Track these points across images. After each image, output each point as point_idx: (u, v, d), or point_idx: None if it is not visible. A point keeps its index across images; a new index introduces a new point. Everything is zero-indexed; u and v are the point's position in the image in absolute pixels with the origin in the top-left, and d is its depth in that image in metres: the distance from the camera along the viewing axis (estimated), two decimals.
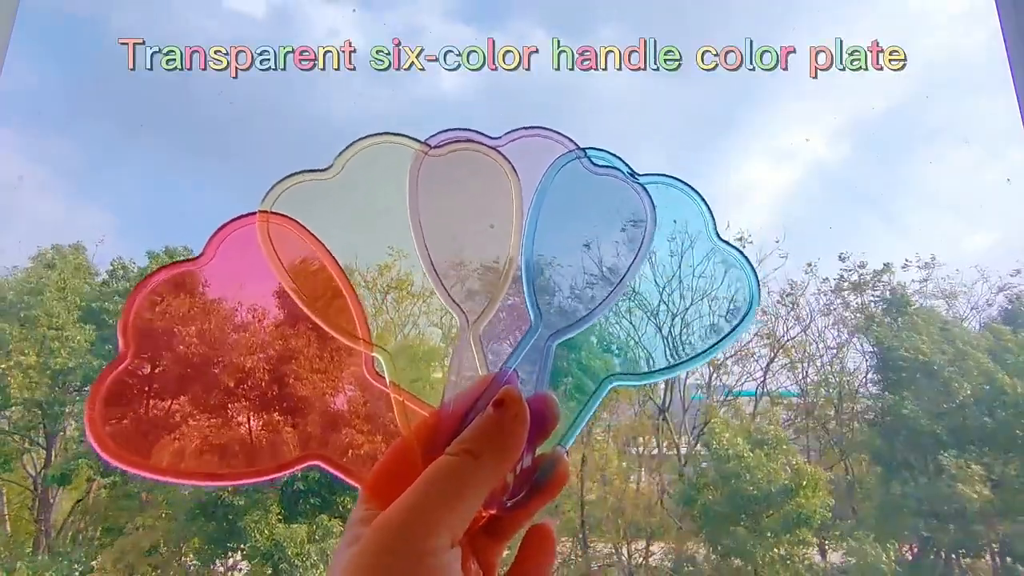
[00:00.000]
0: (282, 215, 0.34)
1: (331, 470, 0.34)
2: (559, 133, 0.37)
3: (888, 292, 5.92)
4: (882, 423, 5.64)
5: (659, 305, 0.39)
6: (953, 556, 5.10)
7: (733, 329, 0.37)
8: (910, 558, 5.23)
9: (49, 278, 5.16)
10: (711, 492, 5.00)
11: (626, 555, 5.41)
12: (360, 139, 0.35)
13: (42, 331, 4.94)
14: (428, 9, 7.03)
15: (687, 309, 0.39)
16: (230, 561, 5.03)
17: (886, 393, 5.60)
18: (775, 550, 4.73)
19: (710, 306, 0.38)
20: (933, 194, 7.00)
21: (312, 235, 0.34)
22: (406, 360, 0.35)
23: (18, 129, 6.21)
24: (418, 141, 0.35)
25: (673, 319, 0.39)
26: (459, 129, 0.36)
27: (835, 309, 6.10)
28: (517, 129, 0.37)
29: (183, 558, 4.96)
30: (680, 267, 0.39)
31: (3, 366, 4.79)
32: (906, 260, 5.92)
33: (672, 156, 7.20)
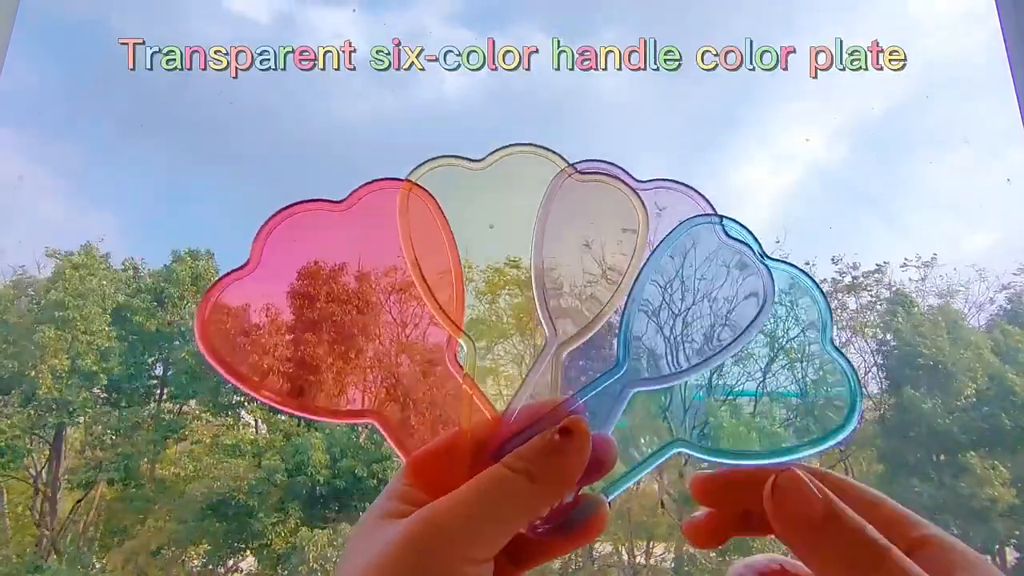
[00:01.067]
0: (424, 189, 0.36)
1: (385, 434, 0.34)
2: (700, 194, 0.37)
3: (890, 292, 5.92)
4: (885, 422, 5.64)
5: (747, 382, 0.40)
6: None
7: (825, 436, 0.36)
8: None
9: (86, 282, 5.19)
10: None
11: (626, 555, 5.41)
12: (515, 144, 0.36)
13: (75, 334, 4.97)
14: (429, 11, 7.04)
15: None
16: (230, 562, 5.03)
17: (889, 392, 5.61)
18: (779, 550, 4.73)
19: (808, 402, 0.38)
20: (933, 194, 7.01)
21: (443, 215, 0.36)
22: (489, 356, 0.36)
23: (18, 129, 6.21)
24: (564, 160, 0.36)
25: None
26: (607, 162, 0.37)
27: (834, 309, 6.10)
28: (662, 179, 0.38)
29: (191, 559, 4.96)
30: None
31: (39, 368, 4.81)
32: (905, 259, 5.92)
33: (672, 156, 7.21)
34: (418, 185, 0.35)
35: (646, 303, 0.37)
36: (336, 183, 0.36)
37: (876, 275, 5.95)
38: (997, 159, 6.71)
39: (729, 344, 0.37)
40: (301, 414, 0.35)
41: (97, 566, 4.83)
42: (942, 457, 5.14)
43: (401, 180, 0.35)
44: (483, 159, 0.36)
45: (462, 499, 0.28)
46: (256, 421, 5.56)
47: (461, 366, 0.35)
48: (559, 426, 0.30)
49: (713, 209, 0.37)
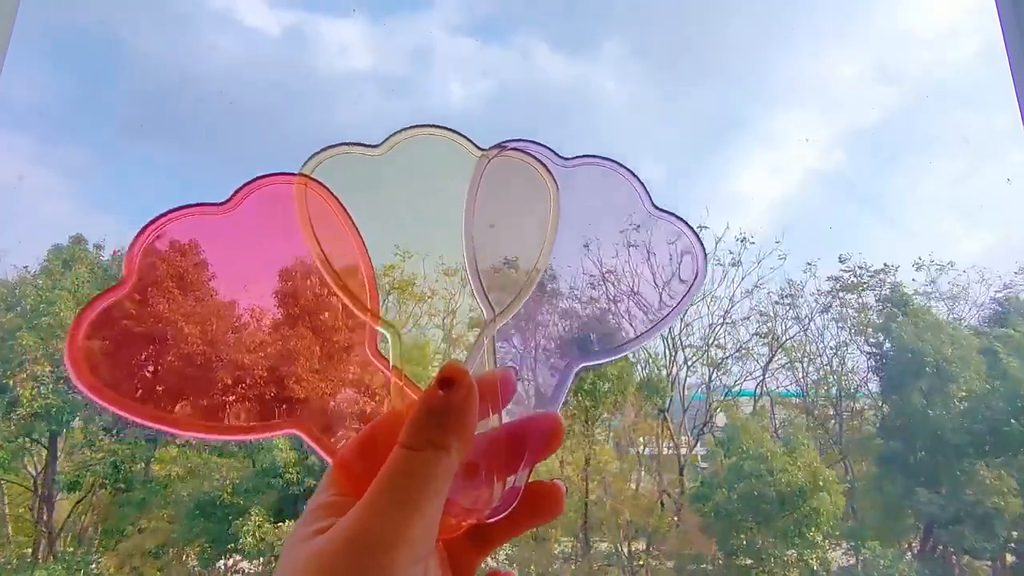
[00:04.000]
0: (319, 182, 0.34)
1: (308, 441, 0.32)
2: (626, 168, 0.37)
3: (891, 292, 5.92)
4: (884, 423, 5.64)
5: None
6: (954, 557, 5.10)
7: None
8: (909, 556, 5.23)
9: (63, 284, 5.15)
10: (723, 492, 4.99)
11: (626, 555, 5.41)
12: (414, 126, 0.35)
13: (55, 342, 4.93)
14: (435, 22, 7.06)
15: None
16: (230, 561, 5.03)
17: (891, 393, 5.61)
18: (788, 551, 4.74)
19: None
20: (933, 194, 7.01)
21: (340, 205, 0.34)
22: (411, 346, 0.34)
23: (18, 129, 6.21)
24: (471, 142, 0.36)
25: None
26: (529, 141, 0.37)
27: (834, 308, 6.10)
28: (588, 156, 0.38)
29: (186, 559, 4.97)
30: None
31: (19, 377, 4.79)
32: (919, 259, 5.90)
33: (673, 156, 7.21)
34: (312, 179, 0.33)
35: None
36: None
37: (880, 275, 5.95)
38: (997, 159, 6.71)
39: (673, 311, 0.37)
40: (210, 436, 0.32)
41: (95, 568, 4.83)
42: (940, 459, 5.14)
43: (291, 174, 0.33)
44: (380, 144, 0.34)
45: (376, 496, 0.26)
46: None
47: (384, 358, 0.34)
48: (437, 378, 0.29)
49: (641, 183, 0.37)
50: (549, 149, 0.37)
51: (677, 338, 5.90)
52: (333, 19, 7.11)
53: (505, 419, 0.33)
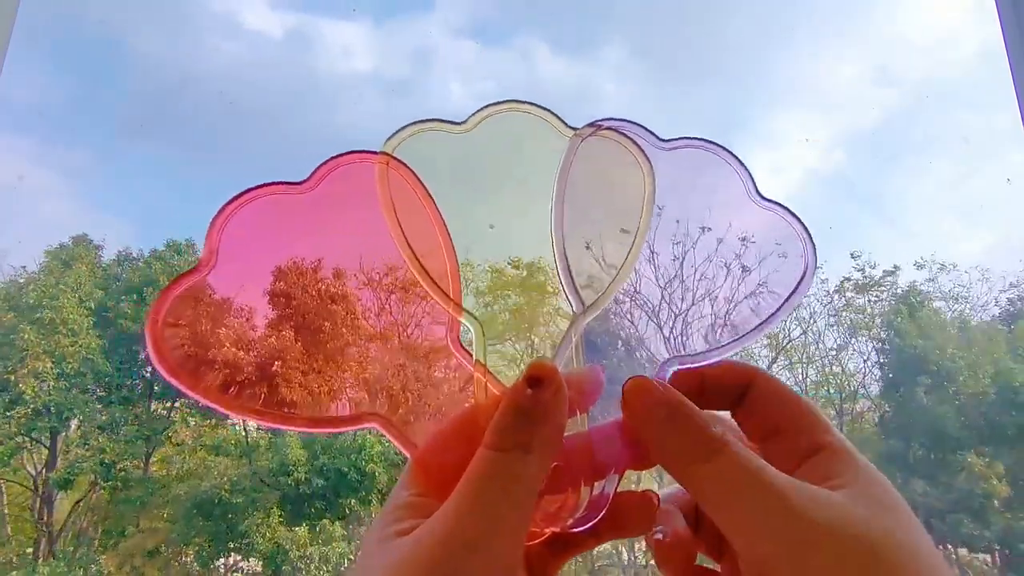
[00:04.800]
0: (402, 162, 0.32)
1: (389, 435, 0.31)
2: (730, 152, 0.35)
3: (895, 292, 5.91)
4: (885, 421, 5.64)
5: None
6: (953, 554, 5.10)
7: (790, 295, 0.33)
8: None
9: (66, 281, 5.14)
10: None
11: (626, 555, 5.41)
12: (501, 102, 0.33)
13: (57, 338, 4.92)
14: (436, 25, 7.06)
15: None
16: (231, 560, 5.03)
17: (894, 391, 5.61)
18: None
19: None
20: (933, 194, 7.01)
21: (424, 188, 0.33)
22: (493, 334, 0.33)
23: (18, 130, 6.21)
24: (555, 115, 0.34)
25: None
26: (626, 120, 0.35)
27: (837, 307, 6.10)
28: (690, 138, 0.35)
29: (185, 558, 4.97)
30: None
31: (20, 373, 4.77)
32: (921, 258, 5.89)
33: None
34: (395, 158, 0.32)
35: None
36: None
37: (891, 276, 5.95)
38: (997, 159, 6.71)
39: (775, 313, 0.33)
40: (289, 427, 0.31)
41: (94, 568, 4.83)
42: (942, 456, 5.15)
43: (373, 153, 0.32)
44: (465, 121, 0.33)
45: (462, 500, 0.25)
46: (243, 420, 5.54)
47: (468, 351, 0.32)
48: (525, 376, 0.27)
49: (747, 170, 0.34)
50: (646, 129, 0.35)
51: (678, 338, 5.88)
52: (334, 21, 7.12)
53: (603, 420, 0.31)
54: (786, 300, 0.33)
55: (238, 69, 6.87)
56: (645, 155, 0.34)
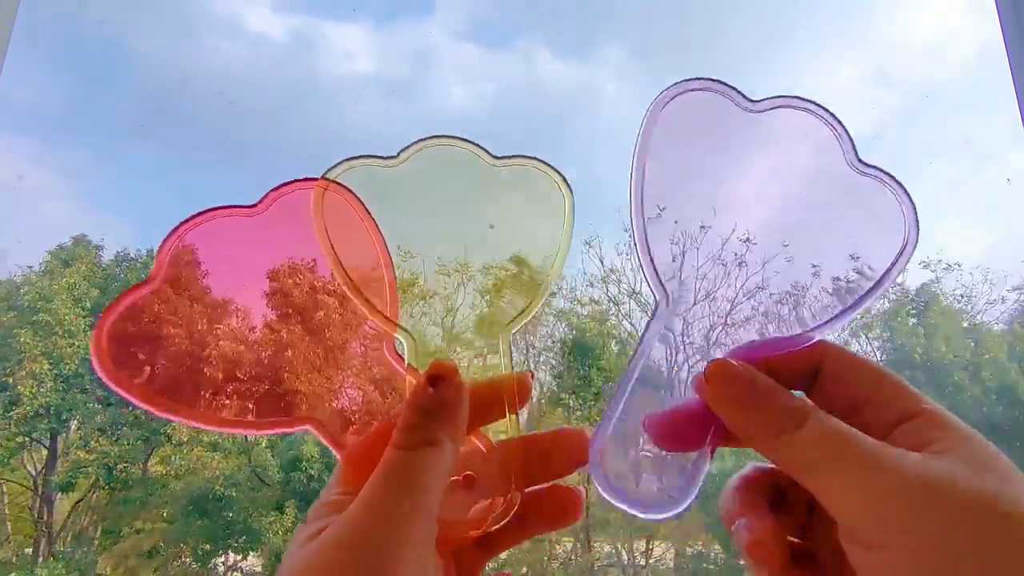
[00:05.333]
0: (344, 186, 0.34)
1: (321, 437, 0.32)
2: (829, 111, 0.32)
3: (896, 292, 5.91)
4: None
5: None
6: None
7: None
8: None
9: (60, 282, 5.14)
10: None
11: (626, 555, 5.41)
12: (431, 137, 0.35)
13: (54, 339, 4.92)
14: (437, 27, 7.07)
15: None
16: (230, 560, 5.03)
17: None
18: None
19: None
20: (933, 195, 7.01)
21: (365, 210, 0.35)
22: (431, 349, 0.34)
23: (18, 130, 6.21)
24: (487, 152, 0.35)
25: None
26: (713, 80, 0.32)
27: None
28: (781, 96, 0.32)
29: (184, 558, 4.97)
30: None
31: (18, 375, 4.77)
32: (927, 258, 5.88)
33: None
34: (335, 182, 0.34)
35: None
36: None
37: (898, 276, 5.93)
38: (997, 159, 6.71)
39: (875, 285, 0.30)
40: (224, 429, 0.33)
41: (93, 570, 4.82)
42: None
43: (317, 179, 0.34)
44: (398, 155, 0.35)
45: (370, 497, 0.26)
46: None
47: (401, 357, 0.34)
48: (427, 375, 0.28)
49: (846, 131, 0.32)
50: (734, 89, 0.32)
51: (679, 338, 5.88)
52: (335, 23, 7.13)
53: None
54: (885, 273, 0.31)
55: (239, 70, 6.88)
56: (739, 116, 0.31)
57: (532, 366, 5.61)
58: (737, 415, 0.28)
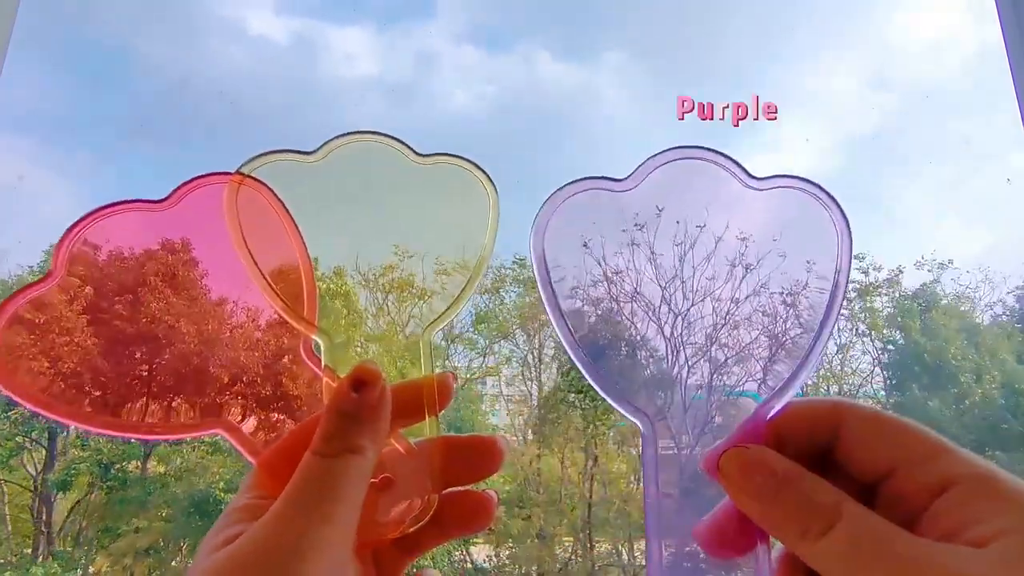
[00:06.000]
0: (259, 181, 0.33)
1: (233, 441, 0.32)
2: (828, 195, 0.34)
3: (900, 293, 5.90)
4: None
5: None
6: None
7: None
8: None
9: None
10: None
11: (626, 555, 5.40)
12: (354, 132, 0.34)
13: (52, 337, 4.92)
14: (438, 30, 7.08)
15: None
16: None
17: (894, 393, 5.61)
18: None
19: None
20: (933, 195, 7.00)
21: (283, 206, 0.34)
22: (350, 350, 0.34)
23: (18, 130, 6.21)
24: (411, 148, 0.35)
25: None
26: (712, 151, 0.34)
27: (852, 310, 6.08)
28: (781, 176, 0.35)
29: (183, 558, 4.97)
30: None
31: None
32: (922, 257, 5.88)
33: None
34: (250, 177, 0.33)
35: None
36: None
37: (893, 277, 5.94)
38: (997, 159, 6.71)
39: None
40: (119, 434, 0.32)
41: (91, 569, 4.82)
42: None
43: (230, 174, 0.34)
44: (317, 151, 0.34)
45: (287, 505, 0.25)
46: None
47: (318, 358, 0.33)
48: (349, 379, 0.28)
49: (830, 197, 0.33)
50: (735, 163, 0.34)
51: (679, 337, 5.89)
52: (338, 27, 7.14)
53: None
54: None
55: (240, 72, 6.88)
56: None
57: (539, 363, 5.61)
58: (757, 509, 0.27)
